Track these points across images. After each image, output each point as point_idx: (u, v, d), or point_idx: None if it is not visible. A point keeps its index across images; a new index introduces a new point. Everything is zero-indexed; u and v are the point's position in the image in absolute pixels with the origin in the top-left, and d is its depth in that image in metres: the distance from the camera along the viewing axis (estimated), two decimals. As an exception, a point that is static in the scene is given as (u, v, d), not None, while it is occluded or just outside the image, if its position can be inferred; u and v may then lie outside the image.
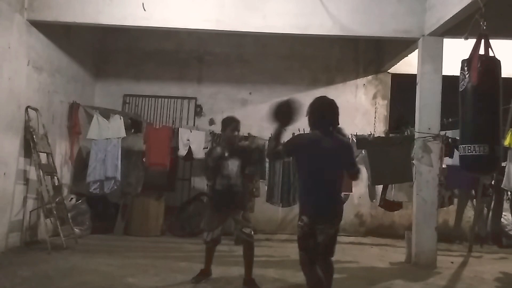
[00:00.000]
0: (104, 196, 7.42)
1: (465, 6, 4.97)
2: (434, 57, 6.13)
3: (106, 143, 7.25)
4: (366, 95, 8.95)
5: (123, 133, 7.35)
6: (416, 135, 6.20)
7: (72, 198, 7.12)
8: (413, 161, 6.32)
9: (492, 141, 3.80)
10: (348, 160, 3.56)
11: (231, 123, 4.60)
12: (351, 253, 6.70)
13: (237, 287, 4.52)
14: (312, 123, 3.50)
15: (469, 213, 8.03)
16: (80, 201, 7.15)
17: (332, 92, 8.79)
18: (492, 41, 3.90)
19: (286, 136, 3.55)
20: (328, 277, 3.43)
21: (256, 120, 8.07)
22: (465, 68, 3.88)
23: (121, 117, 7.49)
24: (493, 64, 3.87)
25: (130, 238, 7.17)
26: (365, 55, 8.97)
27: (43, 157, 6.33)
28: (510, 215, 7.88)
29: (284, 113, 3.41)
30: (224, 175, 4.48)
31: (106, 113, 7.53)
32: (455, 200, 7.86)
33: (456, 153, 5.90)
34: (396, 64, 8.36)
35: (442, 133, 6.27)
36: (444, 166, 6.79)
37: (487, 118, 3.83)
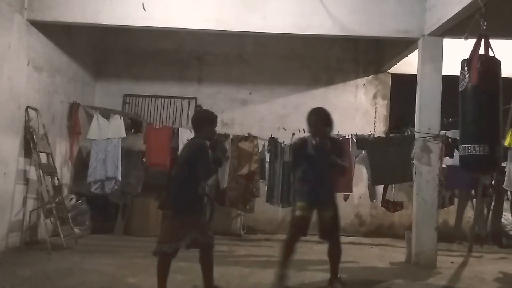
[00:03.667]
0: (104, 196, 7.41)
1: (465, 6, 4.96)
2: (434, 57, 6.13)
3: (106, 143, 7.25)
4: (366, 95, 8.95)
5: (123, 133, 7.35)
6: (416, 135, 6.19)
7: (72, 198, 7.13)
8: (413, 161, 6.32)
9: (492, 141, 3.80)
10: None
11: (207, 117, 4.09)
12: (351, 253, 6.68)
13: (236, 287, 4.51)
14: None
15: (469, 213, 8.02)
16: (80, 201, 7.15)
17: (332, 92, 8.82)
18: (492, 41, 3.90)
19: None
20: None
21: (256, 120, 8.06)
22: (465, 68, 3.88)
23: (121, 117, 7.49)
24: (493, 64, 3.87)
25: (130, 238, 7.17)
26: (365, 55, 8.96)
27: (43, 157, 6.33)
28: (510, 215, 7.88)
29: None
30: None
31: (106, 113, 7.53)
32: (455, 200, 7.86)
33: (456, 153, 5.91)
34: (396, 64, 8.35)
35: (442, 133, 6.27)
36: (444, 166, 6.79)
37: (487, 118, 3.83)
